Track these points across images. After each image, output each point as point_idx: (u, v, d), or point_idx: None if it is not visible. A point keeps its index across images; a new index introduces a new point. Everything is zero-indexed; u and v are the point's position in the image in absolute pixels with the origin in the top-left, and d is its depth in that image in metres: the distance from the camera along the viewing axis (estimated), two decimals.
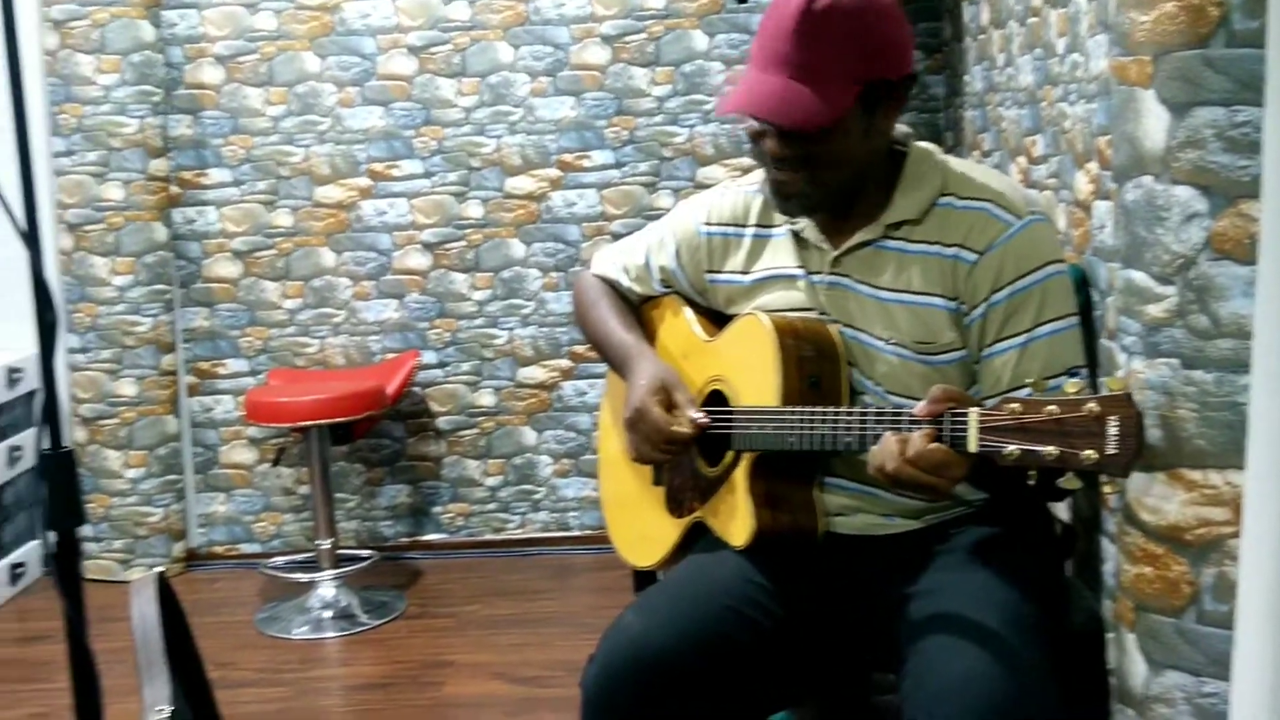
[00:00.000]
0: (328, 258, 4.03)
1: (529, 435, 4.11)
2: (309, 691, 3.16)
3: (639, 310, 2.10)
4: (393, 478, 4.12)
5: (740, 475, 1.81)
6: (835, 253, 1.79)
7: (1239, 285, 1.38)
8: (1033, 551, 1.79)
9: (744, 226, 1.91)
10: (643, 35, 3.94)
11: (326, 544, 3.65)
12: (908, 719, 1.57)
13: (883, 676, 1.93)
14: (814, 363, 1.77)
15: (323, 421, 3.51)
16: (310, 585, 3.65)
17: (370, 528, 4.13)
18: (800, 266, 1.83)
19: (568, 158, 3.99)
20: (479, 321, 4.06)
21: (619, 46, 3.94)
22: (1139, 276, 1.47)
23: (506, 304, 4.05)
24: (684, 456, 1.93)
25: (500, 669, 3.22)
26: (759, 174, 1.92)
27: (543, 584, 3.84)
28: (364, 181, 4.00)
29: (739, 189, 1.94)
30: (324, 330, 4.06)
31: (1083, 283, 2.08)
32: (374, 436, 4.05)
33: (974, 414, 1.48)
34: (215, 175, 3.99)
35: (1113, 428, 1.38)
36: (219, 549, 4.13)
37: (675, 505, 1.97)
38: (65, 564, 1.67)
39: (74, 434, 3.87)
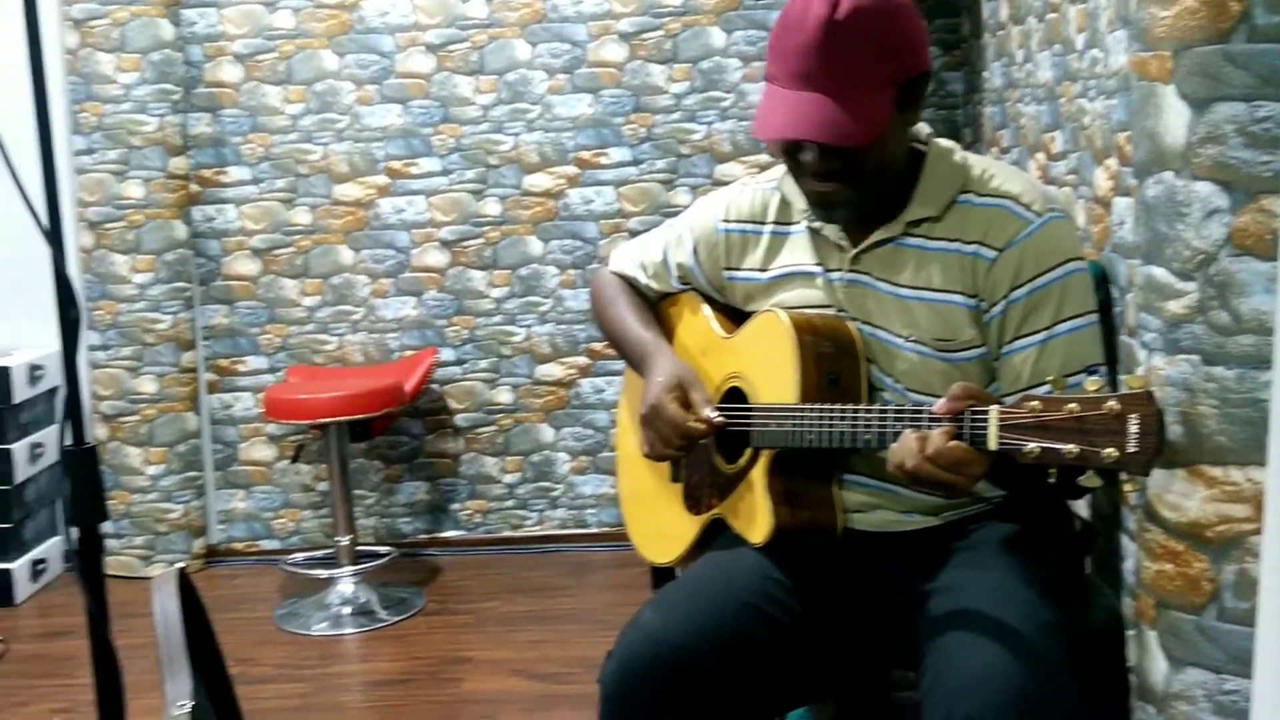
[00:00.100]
0: (346, 255, 4.04)
1: (547, 432, 4.12)
2: (328, 687, 3.17)
3: (657, 307, 2.11)
4: (411, 475, 4.14)
5: (759, 472, 1.81)
6: (854, 250, 1.79)
7: (1260, 281, 1.38)
8: (1052, 549, 1.79)
9: (762, 224, 1.91)
10: (660, 32, 3.94)
11: (345, 540, 3.66)
12: (927, 715, 1.57)
13: (901, 673, 1.93)
14: (833, 360, 1.76)
15: (341, 418, 3.52)
16: (329, 581, 3.66)
17: (389, 524, 4.14)
18: (819, 264, 1.83)
19: (585, 155, 3.99)
20: (497, 319, 4.06)
21: (636, 43, 3.94)
22: (1159, 273, 1.46)
23: (524, 301, 4.05)
24: (702, 453, 1.93)
25: (519, 665, 3.23)
26: (777, 171, 1.92)
27: (561, 581, 3.85)
28: (382, 179, 4.01)
29: (757, 186, 1.94)
30: (342, 328, 4.07)
31: (1102, 280, 2.07)
32: (392, 433, 4.06)
33: (994, 412, 1.48)
34: (234, 173, 4.01)
35: (1133, 425, 1.38)
36: (239, 545, 4.15)
37: (693, 502, 1.98)
38: (88, 560, 1.68)
39: (95, 431, 3.89)
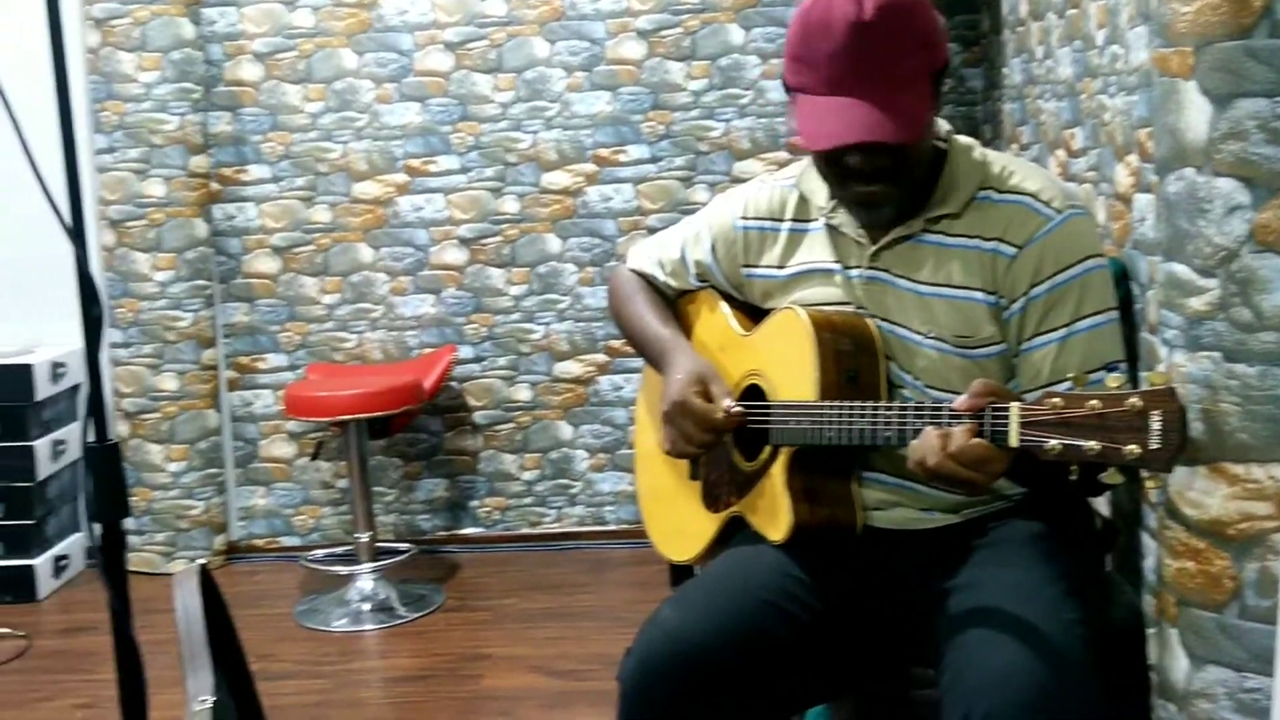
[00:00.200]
0: (365, 253, 4.06)
1: (565, 430, 4.12)
2: (348, 683, 3.18)
3: (675, 304, 2.11)
4: (430, 472, 4.15)
5: (778, 470, 1.81)
6: (874, 247, 1.79)
7: None
8: (1073, 546, 1.78)
9: (780, 221, 1.91)
10: (678, 29, 3.94)
11: (365, 537, 3.67)
12: (947, 713, 1.57)
13: (921, 671, 1.93)
14: (852, 357, 1.76)
15: (361, 416, 3.53)
16: (349, 578, 3.68)
17: (408, 521, 4.15)
18: (837, 261, 1.83)
19: (604, 152, 3.99)
20: (515, 316, 4.07)
21: (655, 41, 3.94)
22: (1180, 269, 1.45)
23: (543, 299, 4.06)
24: (721, 451, 1.93)
25: (537, 662, 3.23)
26: (795, 168, 1.91)
27: (579, 578, 3.85)
28: (401, 177, 4.02)
29: (775, 183, 1.94)
30: (362, 325, 4.09)
31: (1123, 276, 2.06)
32: (411, 431, 4.08)
33: (1015, 409, 1.47)
34: (254, 172, 4.02)
35: (1155, 422, 1.37)
36: (259, 542, 4.17)
37: (712, 500, 1.98)
38: (110, 556, 1.69)
39: (117, 428, 3.91)
